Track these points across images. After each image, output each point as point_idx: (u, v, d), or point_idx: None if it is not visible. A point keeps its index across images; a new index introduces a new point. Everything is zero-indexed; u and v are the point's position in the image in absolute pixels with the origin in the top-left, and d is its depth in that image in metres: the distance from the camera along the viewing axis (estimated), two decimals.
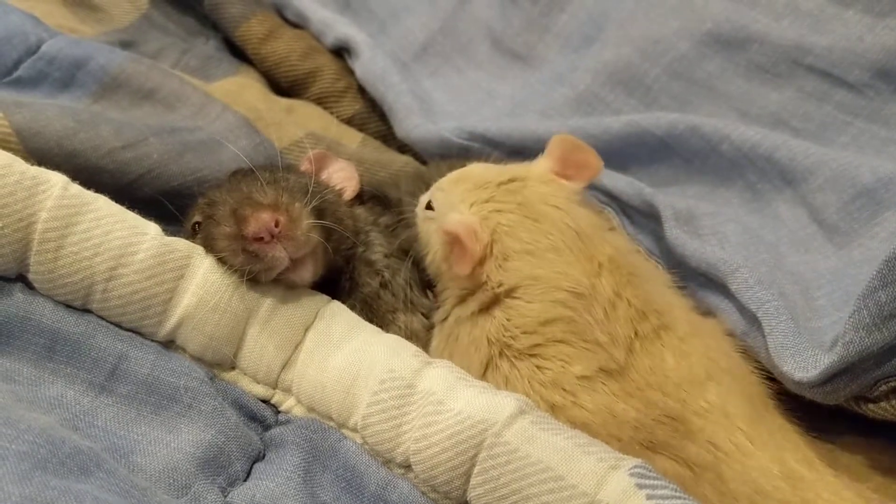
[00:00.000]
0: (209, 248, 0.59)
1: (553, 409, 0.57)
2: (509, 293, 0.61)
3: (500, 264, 0.62)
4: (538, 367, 0.59)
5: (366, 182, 0.79)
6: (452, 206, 0.66)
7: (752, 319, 0.62)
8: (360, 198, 0.75)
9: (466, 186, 0.67)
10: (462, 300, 0.64)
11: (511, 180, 0.67)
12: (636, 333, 0.59)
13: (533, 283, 0.61)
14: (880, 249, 0.62)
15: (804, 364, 0.55)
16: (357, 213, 0.72)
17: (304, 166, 0.73)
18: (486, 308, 0.62)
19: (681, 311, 0.63)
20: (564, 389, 0.57)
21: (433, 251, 0.67)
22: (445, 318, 0.66)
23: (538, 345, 0.59)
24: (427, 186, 0.72)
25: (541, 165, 0.69)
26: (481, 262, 0.62)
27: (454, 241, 0.63)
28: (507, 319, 0.60)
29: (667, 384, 0.57)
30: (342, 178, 0.74)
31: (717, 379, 0.58)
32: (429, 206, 0.69)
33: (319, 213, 0.61)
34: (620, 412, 0.56)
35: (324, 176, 0.73)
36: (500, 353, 0.60)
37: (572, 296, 0.60)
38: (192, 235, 0.62)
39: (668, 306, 0.62)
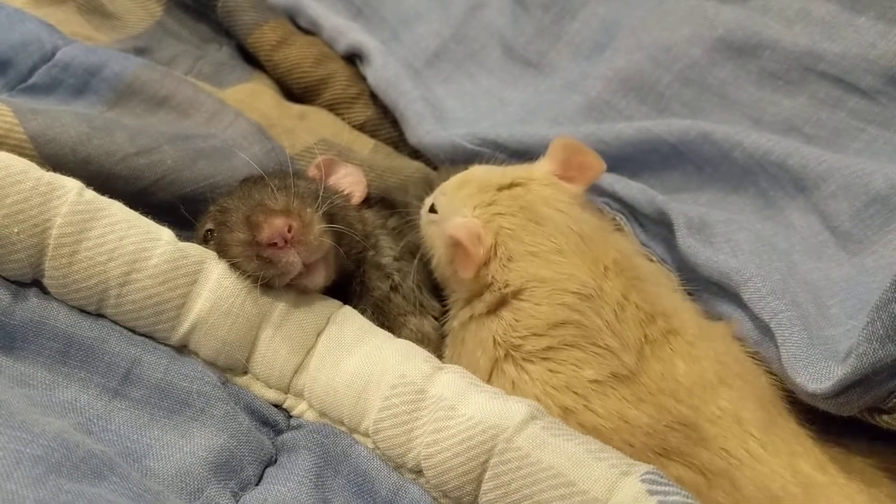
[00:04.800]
0: (222, 254, 0.59)
1: (565, 413, 0.57)
2: (516, 294, 0.62)
3: (504, 265, 0.62)
4: (550, 370, 0.59)
5: (376, 188, 0.80)
6: (455, 209, 0.67)
7: (765, 329, 0.62)
8: (367, 202, 0.75)
9: (469, 190, 0.68)
10: (469, 302, 0.65)
11: (513, 184, 0.67)
12: (645, 337, 0.59)
13: (539, 284, 0.61)
14: (894, 257, 0.61)
15: (817, 375, 0.55)
16: (366, 216, 0.72)
17: (313, 172, 0.74)
18: (493, 309, 0.63)
19: (688, 313, 0.63)
20: (576, 393, 0.57)
21: (437, 255, 0.68)
22: (454, 322, 0.66)
23: (550, 348, 0.59)
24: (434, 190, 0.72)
25: (543, 168, 0.70)
26: (486, 264, 0.63)
27: (457, 245, 0.63)
28: (516, 320, 0.61)
29: (679, 390, 0.57)
30: (350, 182, 0.74)
31: (728, 384, 0.58)
32: (432, 210, 0.70)
33: (330, 217, 0.61)
34: (633, 418, 0.56)
35: (332, 181, 0.73)
36: (506, 356, 0.60)
37: (579, 298, 0.60)
38: (203, 243, 0.62)
39: (675, 309, 0.62)
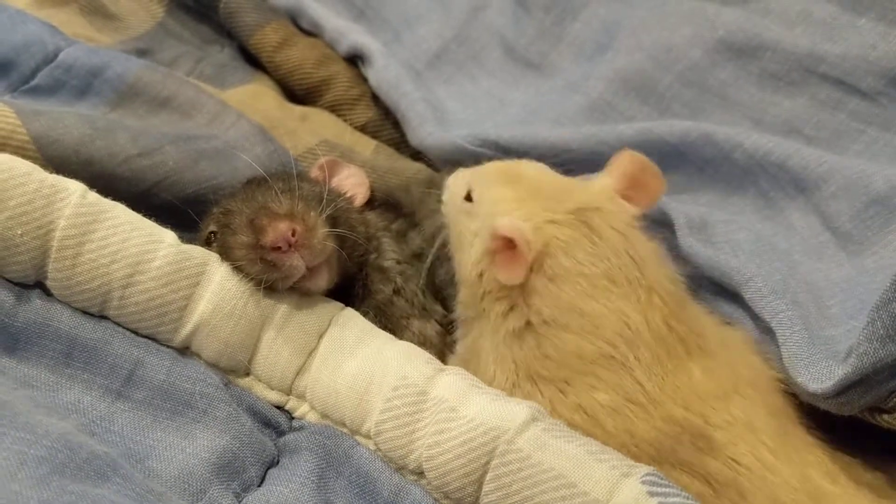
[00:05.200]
0: (225, 257, 0.59)
1: (570, 427, 0.55)
2: (547, 321, 0.57)
3: (545, 285, 0.57)
4: (562, 391, 0.57)
5: (378, 189, 0.80)
6: (500, 205, 0.60)
7: (766, 329, 0.61)
8: (370, 203, 0.75)
9: (520, 188, 0.61)
10: (491, 315, 0.60)
11: (571, 192, 0.61)
12: (670, 357, 0.56)
13: (579, 316, 0.56)
14: (894, 258, 0.61)
15: (818, 375, 0.55)
16: (369, 219, 0.72)
17: (315, 173, 0.74)
18: (517, 330, 0.58)
19: (708, 326, 0.61)
20: (586, 413, 0.56)
21: (466, 250, 0.62)
22: (470, 332, 0.63)
23: (567, 373, 0.57)
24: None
25: (604, 181, 0.64)
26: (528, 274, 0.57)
27: (503, 246, 0.57)
28: (538, 347, 0.57)
29: (692, 399, 0.55)
30: (353, 184, 0.74)
31: (742, 392, 0.57)
32: (467, 198, 0.64)
33: (333, 220, 0.62)
34: (640, 432, 0.55)
35: (335, 183, 0.73)
36: (527, 377, 0.58)
37: (619, 336, 0.56)
38: (207, 245, 0.62)
39: (701, 324, 0.60)
